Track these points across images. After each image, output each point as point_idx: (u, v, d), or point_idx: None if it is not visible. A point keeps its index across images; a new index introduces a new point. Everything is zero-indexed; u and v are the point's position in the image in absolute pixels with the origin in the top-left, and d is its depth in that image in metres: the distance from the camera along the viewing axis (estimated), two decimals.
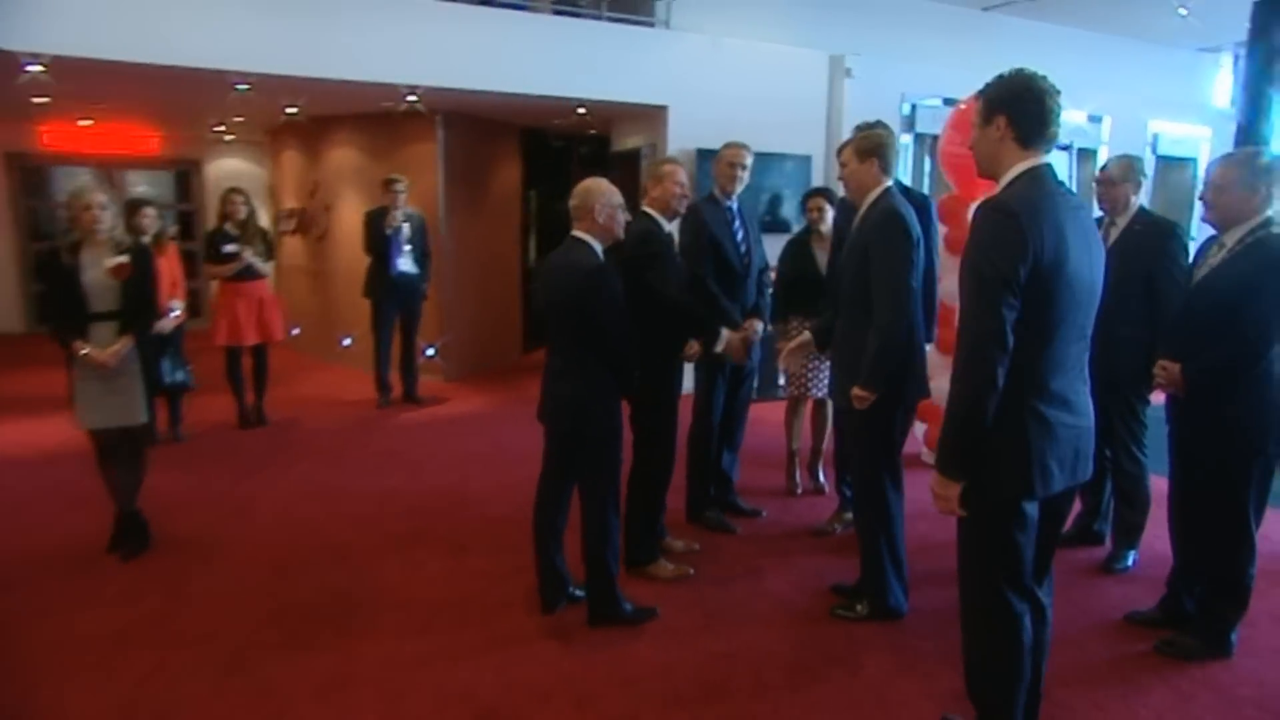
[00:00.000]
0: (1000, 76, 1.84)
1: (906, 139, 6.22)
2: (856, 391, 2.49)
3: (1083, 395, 1.85)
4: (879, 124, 3.12)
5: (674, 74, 5.56)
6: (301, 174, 7.06)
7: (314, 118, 6.28)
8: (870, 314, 2.45)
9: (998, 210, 1.74)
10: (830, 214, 3.73)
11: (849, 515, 3.43)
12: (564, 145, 7.68)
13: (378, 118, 6.00)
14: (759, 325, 3.40)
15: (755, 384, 3.63)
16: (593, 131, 7.15)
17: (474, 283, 6.37)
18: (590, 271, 2.44)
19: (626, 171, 6.22)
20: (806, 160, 5.95)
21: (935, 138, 6.73)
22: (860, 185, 2.57)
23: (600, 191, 2.55)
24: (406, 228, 5.21)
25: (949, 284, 3.91)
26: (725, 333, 2.95)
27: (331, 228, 6.77)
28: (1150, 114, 7.33)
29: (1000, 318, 1.70)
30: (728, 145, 3.35)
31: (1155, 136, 7.31)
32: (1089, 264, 1.77)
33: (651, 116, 5.79)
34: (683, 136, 5.58)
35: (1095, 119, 6.93)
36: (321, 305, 6.77)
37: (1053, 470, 1.80)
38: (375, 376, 5.44)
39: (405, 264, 5.22)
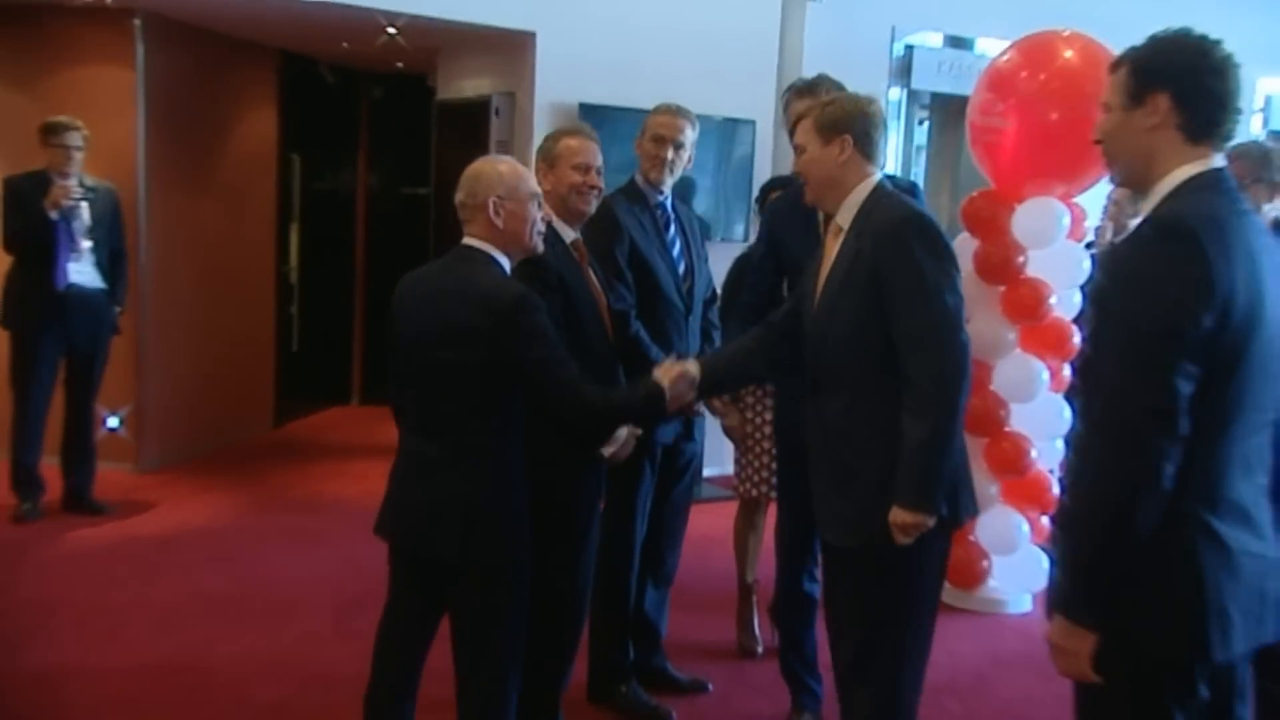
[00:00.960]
0: (1156, 38, 1.92)
1: (896, 95, 6.60)
2: (902, 518, 2.40)
3: (1265, 510, 1.93)
4: (823, 80, 3.31)
5: None
6: None
7: None
8: (886, 389, 2.45)
9: (1168, 231, 1.81)
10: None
11: None
12: (344, 83, 7.66)
13: (15, 10, 5.67)
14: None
15: (695, 476, 3.72)
16: (400, 66, 7.13)
17: (192, 306, 6.28)
18: (512, 303, 2.48)
19: (464, 134, 6.27)
20: (748, 128, 6.18)
21: (944, 99, 7.35)
22: (828, 181, 2.59)
23: (496, 178, 2.59)
24: (86, 209, 5.06)
25: (981, 328, 4.16)
26: (623, 431, 3.02)
27: None
28: (1260, 68, 7.59)
29: (1171, 391, 1.76)
30: (659, 110, 3.42)
31: (1269, 101, 7.87)
32: None
33: (508, 49, 5.88)
34: (556, 83, 5.71)
35: None
36: None
37: (1234, 620, 1.84)
38: (11, 466, 5.20)
39: (82, 270, 5.08)
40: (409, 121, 7.67)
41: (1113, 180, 2.03)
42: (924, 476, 2.40)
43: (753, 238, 5.98)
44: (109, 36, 5.70)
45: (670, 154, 3.35)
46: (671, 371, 2.73)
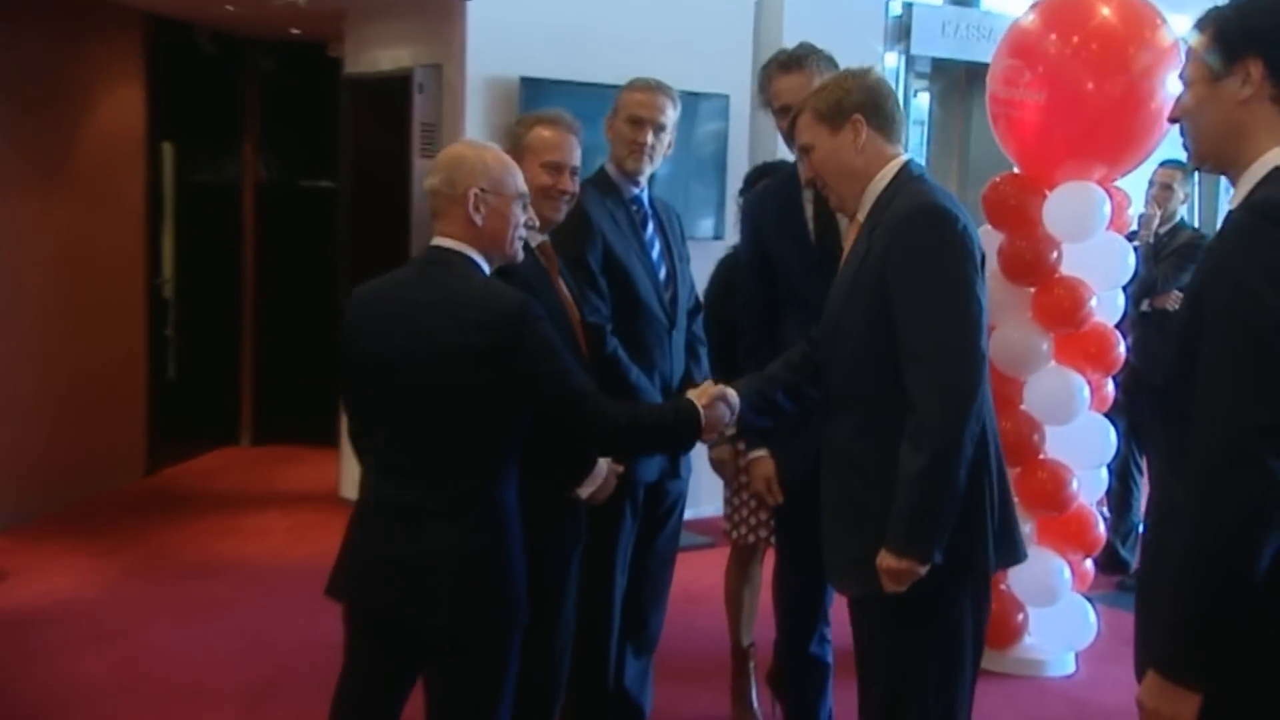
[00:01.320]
0: None
1: (893, 62, 6.72)
2: (887, 562, 2.48)
3: None
4: (807, 50, 3.39)
5: None
6: None
7: None
8: (901, 413, 2.49)
9: (1272, 218, 1.83)
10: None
11: None
12: (225, 54, 7.60)
13: None
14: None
15: (679, 521, 3.76)
16: (297, 33, 7.13)
17: (42, 327, 6.22)
18: (514, 314, 2.52)
19: (380, 116, 6.28)
20: (722, 102, 6.23)
21: (947, 65, 7.51)
22: (850, 174, 2.63)
23: (482, 166, 2.63)
24: None
25: (1009, 337, 4.20)
26: (602, 466, 3.08)
27: None
28: None
29: None
30: (632, 85, 3.48)
31: None
32: None
33: (432, 13, 5.91)
34: (492, 54, 5.73)
35: None
36: None
37: None
38: None
39: None
40: (308, 100, 7.69)
41: (1197, 166, 2.06)
42: (916, 515, 2.45)
43: (728, 234, 6.02)
44: None
45: (650, 138, 3.38)
46: (709, 392, 2.78)
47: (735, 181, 6.22)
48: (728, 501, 4.08)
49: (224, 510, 6.54)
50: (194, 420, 7.65)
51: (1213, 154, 2.00)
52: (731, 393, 2.82)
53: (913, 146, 7.26)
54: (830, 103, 2.62)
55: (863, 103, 2.60)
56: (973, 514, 2.53)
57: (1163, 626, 1.91)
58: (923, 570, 2.45)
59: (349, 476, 5.81)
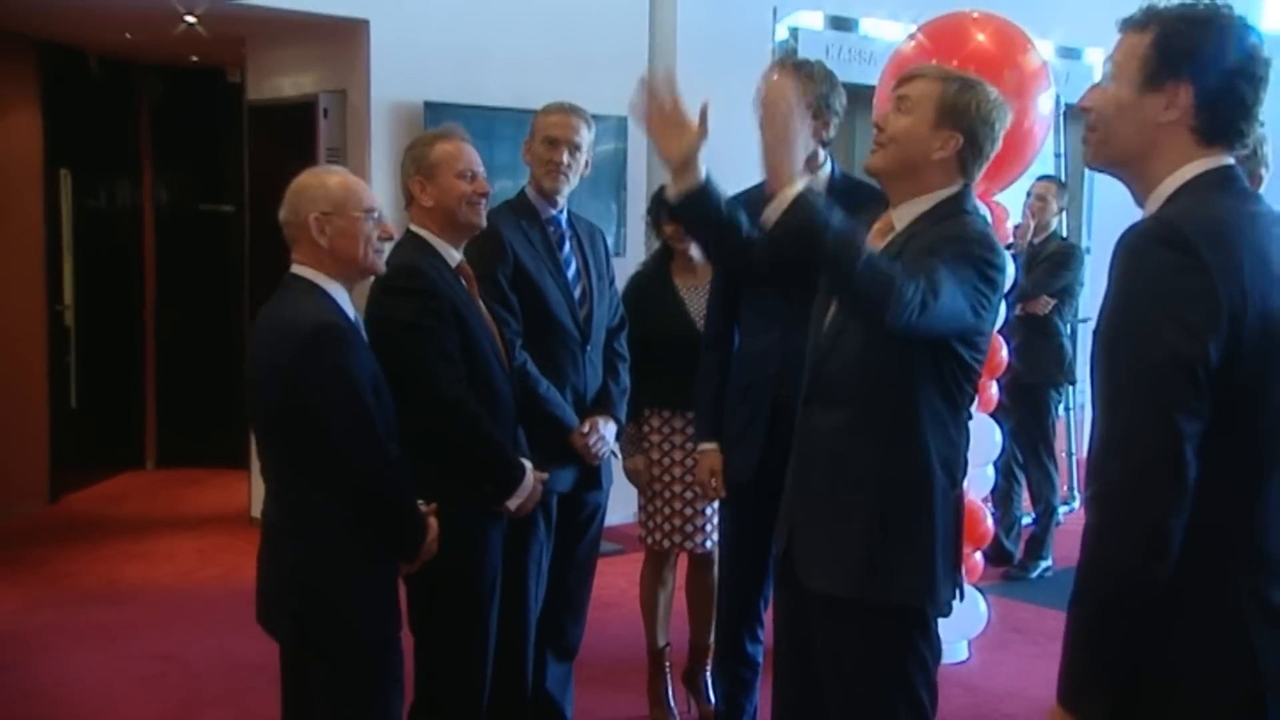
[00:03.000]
0: (1185, 7, 1.83)
1: None
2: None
3: None
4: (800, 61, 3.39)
5: None
6: None
7: None
8: (893, 410, 2.42)
9: (1162, 241, 1.76)
10: None
11: None
12: (115, 79, 7.48)
13: None
14: (610, 427, 3.57)
15: (598, 530, 3.78)
16: (195, 60, 7.06)
17: None
18: (307, 337, 2.53)
19: (285, 140, 6.22)
20: (620, 123, 6.21)
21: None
22: (917, 166, 2.45)
23: (321, 191, 2.64)
24: None
25: None
26: (530, 478, 3.11)
27: None
28: None
29: (1176, 431, 1.70)
30: (547, 109, 3.52)
31: None
32: None
33: (335, 40, 5.90)
34: (396, 79, 5.75)
35: (1073, 53, 7.82)
36: None
37: None
38: None
39: None
40: (205, 124, 7.57)
41: (1091, 165, 1.96)
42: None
43: (629, 252, 6.05)
44: None
45: (565, 158, 3.41)
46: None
47: (634, 199, 6.34)
48: (642, 509, 4.10)
49: (131, 535, 6.39)
50: (98, 445, 7.48)
51: (1115, 161, 1.90)
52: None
53: None
54: (953, 104, 2.44)
55: (970, 128, 2.44)
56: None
57: (1065, 655, 1.84)
58: None
59: (260, 497, 5.70)
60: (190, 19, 5.61)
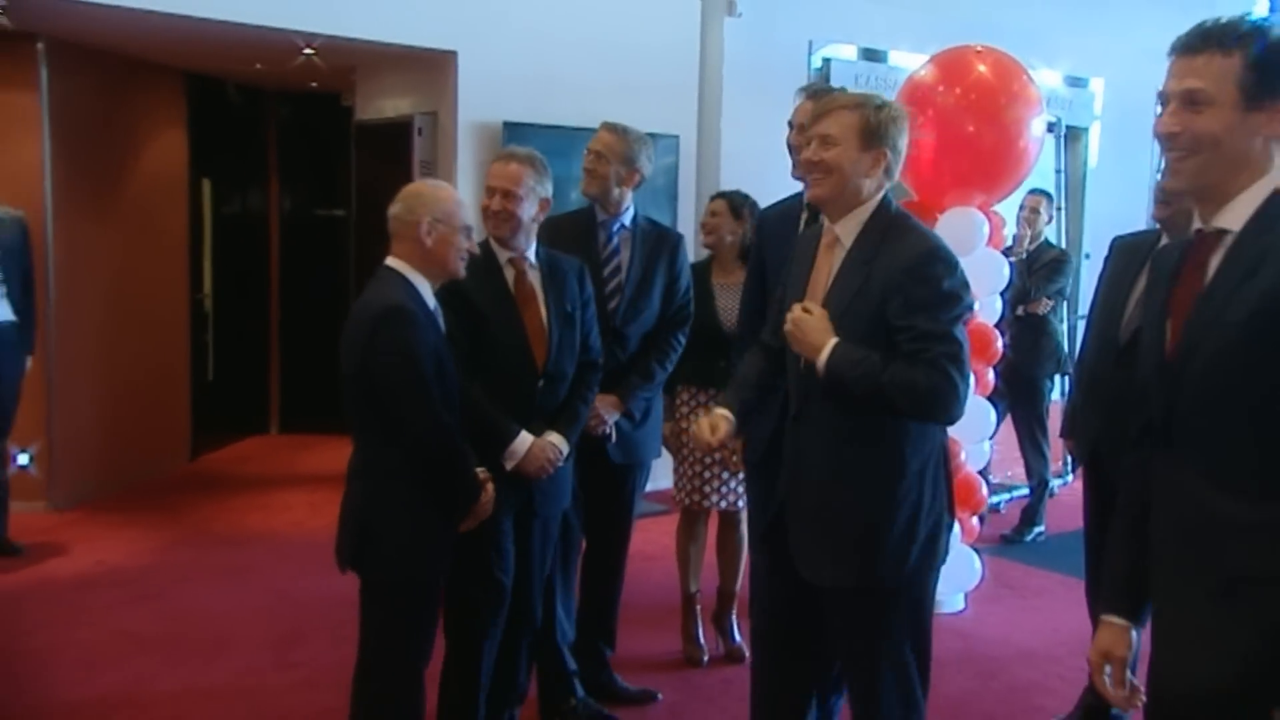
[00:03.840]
0: (1266, 26, 1.70)
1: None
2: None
3: None
4: (826, 87, 3.33)
5: (467, 2, 5.77)
6: None
7: None
8: (881, 423, 2.39)
9: None
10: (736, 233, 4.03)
11: None
12: (250, 103, 7.63)
13: None
14: (611, 415, 3.48)
15: (640, 485, 3.77)
16: (314, 86, 7.15)
17: (102, 336, 6.19)
18: (380, 315, 2.61)
19: (385, 155, 6.27)
20: (672, 143, 6.31)
21: None
22: (848, 188, 2.43)
23: (435, 201, 2.73)
24: None
25: None
26: (523, 437, 2.99)
27: None
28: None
29: None
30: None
31: None
32: None
33: (428, 69, 5.92)
34: (478, 102, 5.79)
35: (1078, 82, 7.84)
36: None
37: None
38: None
39: None
40: (321, 142, 7.65)
41: (1187, 185, 1.76)
42: (858, 378, 2.32)
43: (687, 253, 6.12)
44: (12, 61, 5.62)
45: (593, 165, 3.47)
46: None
47: (685, 208, 6.39)
48: (675, 471, 4.10)
49: (254, 489, 6.50)
50: (230, 413, 7.60)
51: (1215, 181, 1.73)
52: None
53: None
54: (877, 126, 2.40)
55: (893, 143, 2.42)
56: (941, 515, 2.46)
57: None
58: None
59: None
60: (308, 51, 5.74)
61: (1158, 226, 3.44)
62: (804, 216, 3.14)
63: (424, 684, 2.80)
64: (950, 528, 2.54)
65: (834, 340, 2.34)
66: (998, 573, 4.98)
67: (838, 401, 2.38)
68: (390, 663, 2.74)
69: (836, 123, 2.40)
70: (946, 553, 2.52)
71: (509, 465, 2.95)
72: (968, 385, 2.33)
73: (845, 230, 2.43)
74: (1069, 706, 3.60)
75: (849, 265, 2.41)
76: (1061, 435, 3.84)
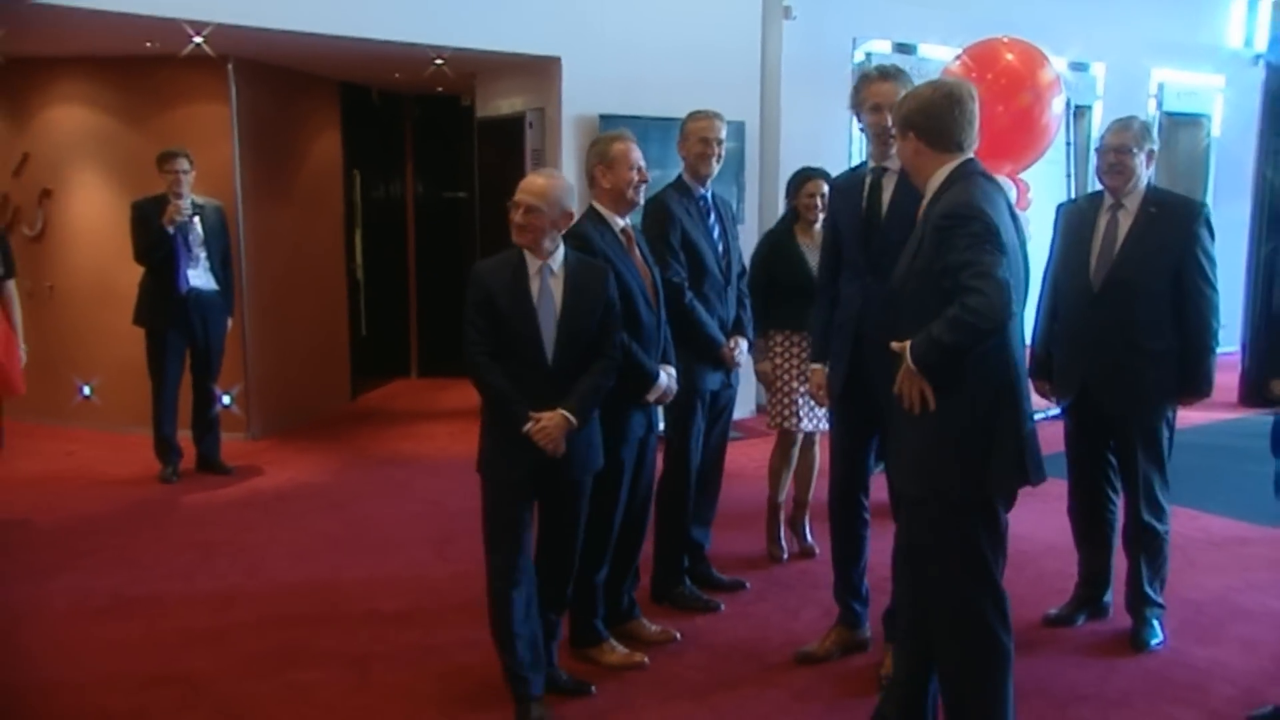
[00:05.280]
0: None
1: None
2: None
3: None
4: (896, 67, 3.10)
5: (569, 15, 5.73)
6: None
7: (18, 59, 5.79)
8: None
9: None
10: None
11: (863, 634, 3.25)
12: (389, 106, 7.64)
13: (132, 62, 5.68)
14: (743, 344, 3.58)
15: (728, 418, 3.78)
16: (440, 90, 7.16)
17: (282, 300, 6.28)
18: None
19: (501, 146, 6.27)
20: (738, 128, 6.21)
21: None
22: (911, 170, 2.47)
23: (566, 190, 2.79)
24: (198, 223, 5.07)
25: None
26: (664, 377, 3.05)
27: (53, 223, 6.24)
28: (1154, 60, 7.90)
29: None
30: (695, 116, 3.47)
31: (1161, 87, 7.87)
32: None
33: (536, 72, 5.91)
34: (580, 98, 5.76)
35: (1081, 66, 7.65)
36: (43, 340, 6.09)
37: None
38: (156, 439, 5.25)
39: (199, 276, 5.11)
40: (447, 136, 7.65)
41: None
42: (924, 352, 2.26)
43: (746, 221, 6.10)
44: (207, 79, 5.71)
45: (714, 150, 3.42)
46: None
47: (750, 184, 6.34)
48: (769, 400, 4.05)
49: (404, 422, 6.57)
50: (380, 361, 7.68)
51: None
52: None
53: None
54: (896, 117, 2.43)
55: (917, 122, 2.34)
56: (1000, 444, 2.28)
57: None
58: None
59: None
60: (438, 61, 5.76)
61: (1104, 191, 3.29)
62: (868, 181, 3.02)
63: (511, 567, 2.76)
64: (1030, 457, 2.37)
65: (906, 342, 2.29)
66: None
67: (914, 329, 2.29)
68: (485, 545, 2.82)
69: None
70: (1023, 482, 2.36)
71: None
72: (1003, 288, 2.13)
73: (928, 199, 2.41)
74: None
75: (919, 226, 2.41)
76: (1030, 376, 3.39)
